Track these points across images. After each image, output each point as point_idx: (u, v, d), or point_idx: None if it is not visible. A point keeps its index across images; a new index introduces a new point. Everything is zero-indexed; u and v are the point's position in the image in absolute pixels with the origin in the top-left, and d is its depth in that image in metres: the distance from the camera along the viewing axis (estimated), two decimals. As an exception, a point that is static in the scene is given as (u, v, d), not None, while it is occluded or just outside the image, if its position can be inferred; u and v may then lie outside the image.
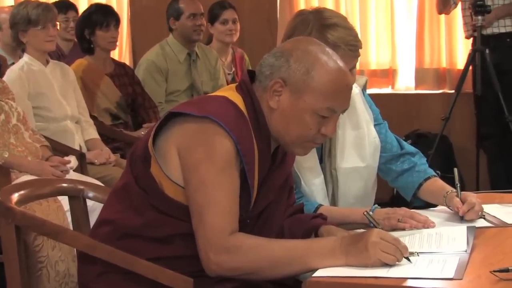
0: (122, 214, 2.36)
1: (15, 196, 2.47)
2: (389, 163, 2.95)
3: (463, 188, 2.75)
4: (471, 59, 5.45)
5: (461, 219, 2.63)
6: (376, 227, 2.36)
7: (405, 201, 2.97)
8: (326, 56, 2.33)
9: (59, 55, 5.95)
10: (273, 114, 2.34)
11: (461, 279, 2.04)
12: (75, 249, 2.55)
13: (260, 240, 2.22)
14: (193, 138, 2.26)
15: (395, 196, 5.10)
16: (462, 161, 6.11)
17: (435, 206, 2.85)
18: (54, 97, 4.76)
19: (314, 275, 2.14)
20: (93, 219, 2.61)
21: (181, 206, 2.29)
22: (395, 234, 2.49)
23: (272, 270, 2.21)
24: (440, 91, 6.41)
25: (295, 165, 2.77)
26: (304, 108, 2.30)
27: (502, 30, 5.61)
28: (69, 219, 2.73)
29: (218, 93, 2.44)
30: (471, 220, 2.61)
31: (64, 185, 2.70)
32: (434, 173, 2.94)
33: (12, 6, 6.07)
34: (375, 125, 2.94)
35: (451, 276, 2.05)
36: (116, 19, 5.42)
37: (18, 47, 4.87)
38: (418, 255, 2.23)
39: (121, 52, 7.19)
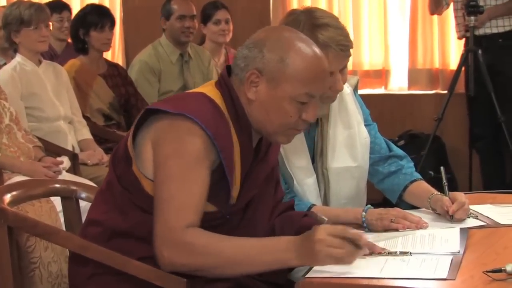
0: (108, 215, 2.36)
1: (8, 197, 2.46)
2: (376, 165, 2.95)
3: (455, 189, 2.76)
4: (464, 60, 5.45)
5: (451, 218, 2.63)
6: (322, 223, 2.34)
7: (392, 202, 2.97)
8: (300, 42, 2.33)
9: (51, 55, 5.94)
10: (252, 106, 2.34)
11: (454, 279, 2.05)
12: (67, 250, 2.55)
13: (213, 238, 2.22)
14: (165, 135, 2.27)
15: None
16: (455, 161, 6.12)
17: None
18: (47, 97, 4.75)
19: (308, 275, 2.14)
20: (85, 219, 2.60)
21: None
22: (388, 235, 2.50)
23: (224, 269, 2.22)
24: (433, 91, 6.42)
25: (287, 165, 2.78)
26: (282, 96, 2.31)
27: (495, 30, 5.61)
28: (62, 219, 2.72)
29: (196, 89, 2.44)
30: (460, 219, 2.62)
31: (57, 185, 2.70)
32: (420, 177, 2.94)
33: (4, 6, 6.06)
34: (365, 126, 2.94)
35: (444, 277, 2.05)
36: (111, 21, 5.41)
37: (11, 48, 4.86)
38: (411, 255, 2.23)
39: (114, 53, 7.17)
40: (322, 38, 2.65)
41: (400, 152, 2.99)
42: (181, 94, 2.56)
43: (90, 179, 4.29)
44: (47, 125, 4.75)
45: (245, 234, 2.32)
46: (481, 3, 5.43)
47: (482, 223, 2.62)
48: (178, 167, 2.23)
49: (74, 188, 2.74)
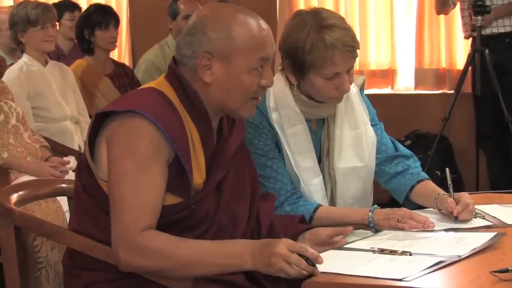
0: (82, 227, 2.35)
1: (14, 197, 2.46)
2: (383, 165, 2.95)
3: (462, 189, 2.75)
4: (470, 59, 5.44)
5: (455, 219, 2.62)
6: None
7: (399, 202, 2.97)
8: (238, 13, 2.35)
9: (58, 55, 5.95)
10: (211, 88, 2.34)
11: (401, 280, 2.04)
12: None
13: (169, 241, 2.22)
14: (116, 135, 2.27)
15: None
16: (461, 161, 6.11)
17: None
18: (53, 98, 4.76)
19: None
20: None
21: None
22: (410, 235, 2.49)
23: (179, 271, 2.22)
24: (440, 91, 6.41)
25: (294, 166, 2.77)
26: (239, 70, 2.32)
27: (501, 30, 5.60)
28: (68, 219, 2.72)
29: (146, 85, 2.45)
30: (465, 220, 2.61)
31: (63, 185, 2.69)
32: (427, 176, 2.94)
33: (11, 6, 6.07)
34: (371, 126, 2.94)
35: (398, 277, 2.05)
36: (116, 19, 5.42)
37: (17, 48, 4.87)
38: (411, 255, 2.23)
39: (121, 53, 7.19)
40: (329, 39, 2.65)
41: (406, 151, 2.99)
42: (130, 91, 2.56)
43: (97, 179, 4.28)
44: (53, 125, 4.76)
45: (228, 220, 2.36)
46: (487, 2, 5.42)
47: (489, 223, 2.61)
48: (130, 167, 2.23)
49: (81, 188, 2.73)
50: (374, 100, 3.07)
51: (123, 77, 5.53)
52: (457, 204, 2.64)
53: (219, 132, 2.44)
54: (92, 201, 2.33)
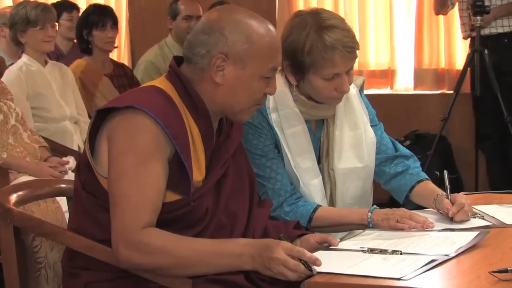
0: (82, 225, 2.35)
1: (14, 197, 2.46)
2: (383, 165, 2.95)
3: (461, 189, 2.75)
4: (469, 60, 5.45)
5: (451, 220, 2.62)
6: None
7: (399, 203, 2.97)
8: (255, 19, 2.37)
9: (57, 56, 5.95)
10: (219, 89, 2.35)
11: (399, 279, 2.04)
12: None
13: (169, 239, 2.23)
14: (116, 131, 2.27)
15: (393, 197, 5.09)
16: (461, 161, 6.11)
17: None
18: (52, 98, 4.76)
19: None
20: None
21: None
22: (397, 234, 2.49)
23: (179, 270, 2.23)
24: (439, 91, 6.41)
25: (293, 166, 2.77)
26: (251, 75, 2.35)
27: (500, 30, 5.61)
28: (68, 219, 2.72)
29: (146, 84, 2.46)
30: (461, 221, 2.61)
31: (63, 185, 2.69)
32: (426, 176, 2.94)
33: (10, 6, 6.07)
34: (371, 126, 2.94)
35: (397, 276, 2.05)
36: (113, 19, 5.42)
37: (18, 48, 4.87)
38: (401, 254, 2.24)
39: (120, 53, 7.19)
40: (329, 40, 2.65)
41: (406, 151, 2.99)
42: (131, 89, 2.57)
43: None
44: (53, 125, 4.76)
45: (227, 219, 2.37)
46: (486, 2, 5.42)
47: (489, 223, 2.61)
48: (131, 164, 2.23)
49: (80, 188, 2.73)
50: (373, 100, 3.07)
51: (123, 77, 5.53)
52: (453, 205, 2.64)
53: (218, 132, 2.45)
54: (92, 199, 2.33)
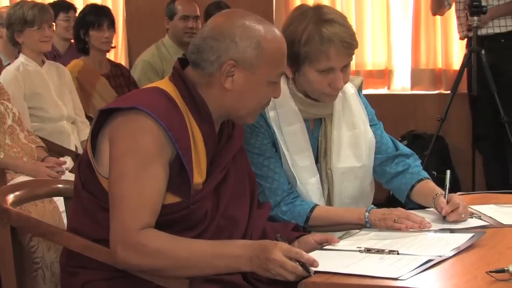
0: (81, 225, 2.36)
1: (11, 197, 2.46)
2: (384, 165, 2.95)
3: (459, 189, 2.75)
4: (466, 60, 5.45)
5: (443, 219, 2.62)
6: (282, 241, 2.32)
7: (401, 202, 2.97)
8: (263, 25, 2.38)
9: (54, 56, 5.95)
10: (228, 94, 2.36)
11: (396, 279, 2.04)
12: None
13: (167, 241, 2.22)
14: (118, 132, 2.27)
15: (391, 196, 5.09)
16: (458, 161, 6.12)
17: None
18: (50, 98, 4.76)
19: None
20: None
21: None
22: (395, 234, 2.49)
23: (177, 271, 2.23)
24: (436, 91, 6.42)
25: (291, 165, 2.77)
26: (260, 80, 2.36)
27: (497, 30, 5.61)
28: (65, 220, 2.72)
29: (150, 85, 2.46)
30: (456, 221, 2.61)
31: (60, 186, 2.70)
32: (427, 175, 2.94)
33: (7, 6, 6.07)
34: (370, 126, 2.94)
35: (395, 276, 2.05)
36: (110, 20, 5.41)
37: (14, 48, 4.87)
38: (398, 254, 2.24)
39: (117, 53, 7.19)
40: (326, 33, 2.66)
41: (407, 150, 2.99)
42: (134, 90, 2.59)
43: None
44: (50, 125, 4.75)
45: (226, 223, 2.37)
46: (483, 3, 5.43)
47: (485, 223, 2.61)
48: (132, 165, 2.23)
49: (77, 188, 2.73)
50: (371, 100, 3.07)
51: (120, 77, 5.53)
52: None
53: (219, 135, 2.45)
54: (92, 198, 2.33)
